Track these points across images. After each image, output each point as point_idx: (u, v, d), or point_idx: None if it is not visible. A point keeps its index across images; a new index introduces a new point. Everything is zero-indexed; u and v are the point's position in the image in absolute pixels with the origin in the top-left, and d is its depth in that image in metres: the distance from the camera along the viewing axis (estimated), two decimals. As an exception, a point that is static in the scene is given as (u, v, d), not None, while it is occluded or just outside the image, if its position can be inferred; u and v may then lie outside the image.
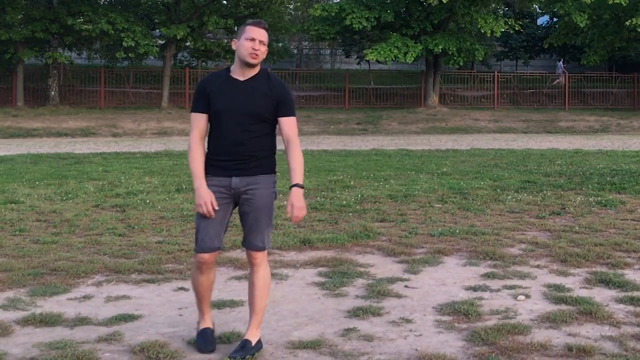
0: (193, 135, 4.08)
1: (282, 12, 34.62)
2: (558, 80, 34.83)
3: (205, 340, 4.14)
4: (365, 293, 5.24)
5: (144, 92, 31.77)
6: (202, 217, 4.04)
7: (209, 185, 4.02)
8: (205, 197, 3.98)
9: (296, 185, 4.12)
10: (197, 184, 4.02)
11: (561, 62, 37.15)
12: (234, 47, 4.07)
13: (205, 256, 4.07)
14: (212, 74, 4.18)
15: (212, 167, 4.06)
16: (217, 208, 4.00)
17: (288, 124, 4.12)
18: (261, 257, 4.13)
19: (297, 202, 4.09)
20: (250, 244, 4.13)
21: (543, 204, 9.21)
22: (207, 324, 4.23)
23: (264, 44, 4.02)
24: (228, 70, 4.12)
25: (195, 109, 4.10)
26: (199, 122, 4.08)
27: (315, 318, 4.70)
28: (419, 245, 6.83)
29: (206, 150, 4.12)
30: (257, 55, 3.99)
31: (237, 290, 5.33)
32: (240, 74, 4.07)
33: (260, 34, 4.00)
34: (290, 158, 4.16)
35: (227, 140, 4.02)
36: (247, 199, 4.08)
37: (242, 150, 4.03)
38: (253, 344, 4.02)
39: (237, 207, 4.16)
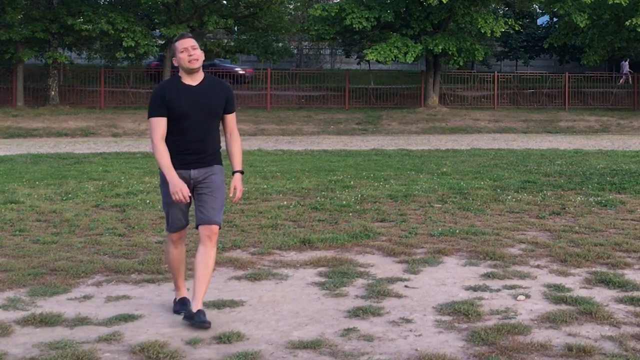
0: (156, 136, 4.62)
1: (282, 12, 34.60)
2: (623, 79, 34.94)
3: (184, 303, 4.77)
4: (365, 293, 5.24)
5: (144, 92, 31.78)
6: (169, 204, 4.69)
7: None
8: (180, 186, 4.50)
9: (238, 171, 4.80)
10: (170, 175, 4.53)
11: (626, 62, 37.16)
12: (175, 64, 4.70)
13: (176, 234, 4.82)
14: (165, 82, 4.75)
15: (174, 161, 4.59)
16: (189, 195, 4.56)
17: (231, 119, 4.83)
18: (216, 234, 4.69)
19: (239, 186, 4.78)
20: (209, 219, 4.63)
21: (543, 204, 9.21)
22: (182, 293, 4.90)
23: (195, 48, 4.63)
24: (179, 78, 4.70)
25: (155, 114, 4.61)
26: (160, 124, 4.61)
27: (315, 318, 4.70)
28: (419, 245, 6.83)
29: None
30: (195, 59, 4.61)
31: (237, 290, 5.33)
32: (190, 80, 4.68)
33: (189, 42, 4.62)
34: (233, 147, 4.84)
35: (189, 137, 4.63)
36: (206, 184, 4.67)
37: (202, 146, 4.67)
38: (202, 312, 4.52)
39: (194, 195, 4.72)
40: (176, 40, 4.68)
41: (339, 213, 8.59)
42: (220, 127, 4.85)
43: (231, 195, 4.74)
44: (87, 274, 5.75)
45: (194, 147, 4.63)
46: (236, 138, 4.82)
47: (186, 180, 4.61)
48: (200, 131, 4.64)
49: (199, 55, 4.62)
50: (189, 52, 4.59)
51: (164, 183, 4.63)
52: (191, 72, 4.64)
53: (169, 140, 4.63)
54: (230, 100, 4.77)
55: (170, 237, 4.84)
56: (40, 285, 5.42)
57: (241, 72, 34.57)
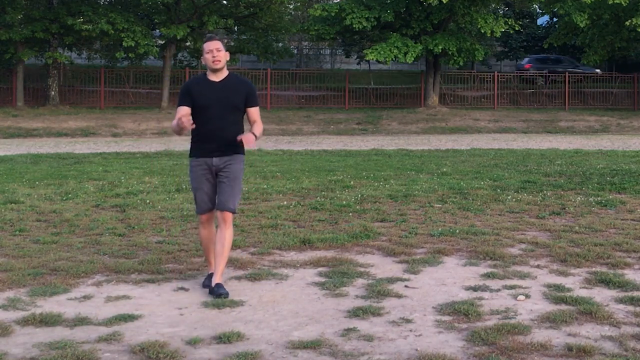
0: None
1: (282, 12, 34.57)
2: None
3: (211, 278, 5.33)
4: (365, 293, 5.24)
5: (144, 92, 31.77)
6: (196, 189, 5.36)
7: (196, 165, 5.33)
8: (184, 111, 5.21)
9: (253, 133, 5.24)
10: (180, 109, 5.25)
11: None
12: (203, 62, 5.37)
13: (204, 216, 5.45)
14: (193, 78, 5.46)
15: (199, 150, 5.33)
16: (191, 121, 5.13)
17: (254, 112, 5.42)
18: (231, 218, 5.36)
19: (251, 136, 5.18)
20: (224, 206, 5.30)
21: (543, 204, 9.21)
22: (212, 269, 5.45)
23: (220, 50, 5.28)
24: (205, 74, 5.39)
25: (180, 104, 5.33)
26: (182, 111, 5.29)
27: (315, 318, 4.70)
28: (419, 245, 6.83)
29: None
30: (218, 60, 5.27)
31: (237, 290, 5.34)
32: (214, 77, 5.36)
33: (215, 45, 5.28)
34: (253, 127, 5.37)
35: (213, 128, 5.25)
36: (226, 172, 5.29)
37: (223, 136, 5.25)
38: (220, 285, 5.20)
39: (217, 179, 5.32)
40: (205, 42, 5.32)
41: (339, 213, 8.59)
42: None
43: (240, 138, 5.19)
44: (87, 274, 5.75)
45: (215, 137, 5.24)
46: (259, 124, 5.38)
47: (209, 167, 5.30)
48: (221, 122, 5.25)
49: (222, 56, 5.27)
50: (213, 54, 5.25)
51: (190, 170, 5.40)
52: (215, 70, 5.31)
53: (196, 132, 5.29)
54: (250, 95, 5.37)
55: (200, 219, 5.50)
56: (40, 285, 5.42)
57: None
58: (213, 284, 5.21)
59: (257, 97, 5.45)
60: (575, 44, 35.79)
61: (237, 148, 5.31)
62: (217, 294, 5.10)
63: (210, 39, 5.33)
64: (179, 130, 5.23)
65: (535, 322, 4.58)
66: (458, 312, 4.75)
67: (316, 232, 7.41)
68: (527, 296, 5.15)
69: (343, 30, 29.79)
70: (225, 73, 5.36)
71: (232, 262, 6.16)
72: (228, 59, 5.33)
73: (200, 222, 5.52)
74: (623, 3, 27.77)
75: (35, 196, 9.85)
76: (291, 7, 38.90)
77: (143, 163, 14.78)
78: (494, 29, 28.97)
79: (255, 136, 5.22)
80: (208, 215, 5.44)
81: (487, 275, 5.73)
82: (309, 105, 31.67)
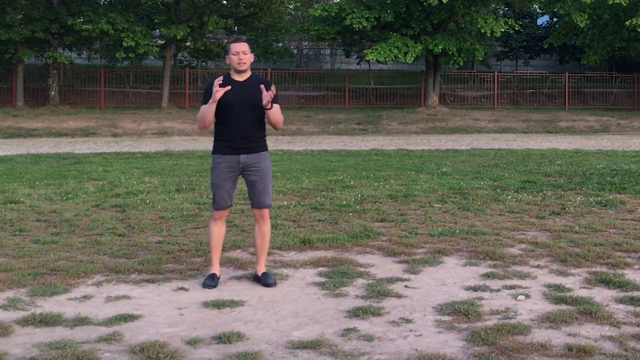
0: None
1: (282, 12, 34.58)
2: None
3: (211, 278, 5.43)
4: (365, 293, 5.24)
5: (144, 92, 31.77)
6: (217, 185, 5.46)
7: (222, 162, 5.42)
8: (217, 88, 5.23)
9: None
10: (212, 99, 5.29)
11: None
12: (227, 61, 5.53)
13: (221, 212, 5.55)
14: (216, 77, 5.41)
15: (224, 147, 5.44)
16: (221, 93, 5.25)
17: (276, 108, 5.51)
18: (268, 213, 5.64)
19: (270, 95, 5.30)
20: (261, 204, 5.54)
21: (543, 204, 9.21)
22: (213, 270, 5.52)
23: (246, 53, 5.43)
24: (229, 74, 5.50)
25: (203, 102, 5.40)
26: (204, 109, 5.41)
27: (315, 318, 4.70)
28: (419, 245, 6.83)
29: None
30: (244, 63, 5.43)
31: (237, 290, 5.34)
32: (238, 77, 5.48)
33: (241, 47, 5.42)
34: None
35: (237, 125, 5.39)
36: (255, 170, 5.48)
37: (246, 133, 5.42)
38: (267, 275, 5.52)
39: (244, 178, 5.52)
40: (232, 42, 5.47)
41: (339, 213, 8.59)
42: None
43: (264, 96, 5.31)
44: (87, 274, 5.75)
45: (239, 134, 5.40)
46: (280, 115, 5.56)
47: (236, 164, 5.43)
48: (244, 120, 5.40)
49: (248, 59, 5.44)
50: (240, 57, 5.40)
51: (213, 167, 5.49)
52: (239, 71, 5.46)
53: (219, 129, 5.46)
54: (269, 89, 5.43)
55: (214, 215, 5.56)
56: (40, 285, 5.42)
57: None
58: (259, 273, 5.53)
59: (278, 96, 5.55)
60: (575, 44, 35.79)
61: (262, 145, 5.53)
62: (267, 284, 5.41)
63: (238, 40, 5.46)
64: (207, 117, 5.34)
65: (535, 322, 4.58)
66: (458, 312, 4.75)
67: (316, 232, 7.41)
68: (527, 296, 5.15)
69: (343, 30, 29.80)
70: (248, 74, 5.50)
71: (232, 262, 6.16)
72: (252, 60, 5.48)
73: (214, 219, 5.57)
74: (623, 3, 27.77)
75: (35, 196, 9.85)
76: (291, 7, 38.90)
77: (143, 163, 14.78)
78: (494, 29, 28.98)
79: (272, 104, 5.38)
80: (223, 213, 5.56)
81: (487, 275, 5.73)
82: (309, 105, 31.67)
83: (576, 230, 7.52)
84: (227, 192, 5.47)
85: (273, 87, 5.39)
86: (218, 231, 5.58)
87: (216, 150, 5.49)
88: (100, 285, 5.48)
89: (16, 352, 4.06)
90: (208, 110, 5.34)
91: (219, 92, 5.23)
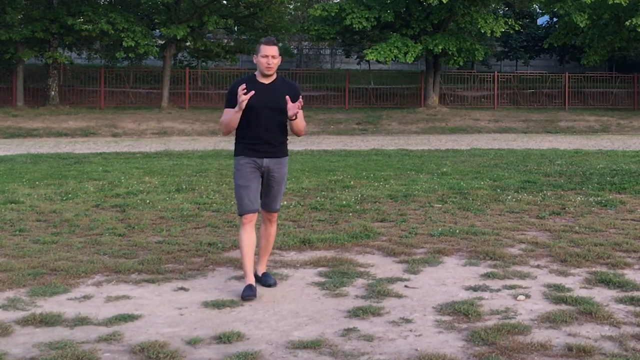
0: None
1: (282, 12, 34.59)
2: None
3: (249, 288, 5.17)
4: (365, 293, 5.24)
5: (144, 92, 31.77)
6: (241, 187, 5.27)
7: (245, 163, 5.28)
8: (242, 97, 5.07)
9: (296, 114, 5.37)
10: (237, 107, 5.14)
11: None
12: (254, 61, 5.33)
13: (249, 216, 5.30)
14: (241, 79, 5.32)
15: (248, 149, 5.30)
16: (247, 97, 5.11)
17: (299, 116, 5.49)
18: (275, 217, 5.58)
19: (297, 107, 5.31)
20: (272, 208, 5.49)
21: (543, 204, 9.21)
22: (249, 280, 5.25)
23: (275, 57, 5.27)
24: (254, 76, 5.36)
25: (227, 106, 5.27)
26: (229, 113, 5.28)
27: (315, 318, 4.70)
28: (419, 245, 6.83)
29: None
30: (271, 67, 5.27)
31: (237, 290, 5.33)
32: (263, 80, 5.34)
33: (272, 50, 5.26)
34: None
35: (260, 128, 5.28)
36: (274, 176, 5.38)
37: (270, 137, 5.32)
38: (268, 275, 5.53)
39: (263, 179, 5.37)
40: (263, 42, 5.29)
41: (339, 213, 8.59)
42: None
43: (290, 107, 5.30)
44: (87, 274, 5.75)
45: (263, 138, 5.29)
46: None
47: (258, 167, 5.32)
48: (268, 123, 5.30)
49: (276, 63, 5.29)
50: (269, 61, 5.25)
51: (237, 169, 5.33)
52: (265, 75, 5.31)
53: (243, 132, 5.31)
54: (296, 97, 5.37)
55: (241, 220, 5.34)
56: (40, 285, 5.42)
57: None
58: (260, 273, 5.50)
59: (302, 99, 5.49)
60: (575, 44, 35.79)
61: (284, 150, 5.45)
62: (267, 284, 5.42)
63: (269, 42, 5.29)
64: (232, 124, 5.23)
65: (535, 322, 4.58)
66: (458, 312, 4.75)
67: (316, 232, 7.41)
68: (527, 296, 5.15)
69: (343, 30, 29.80)
70: (274, 76, 5.38)
71: (232, 262, 6.16)
72: (279, 63, 5.33)
73: (243, 224, 5.31)
74: (623, 3, 27.77)
75: (35, 196, 9.85)
76: (291, 7, 38.91)
77: (143, 163, 14.78)
78: (494, 29, 28.97)
79: (297, 114, 5.36)
80: (250, 217, 5.28)
81: (487, 275, 5.73)
82: (309, 105, 31.63)
83: (576, 230, 7.52)
84: (253, 193, 5.27)
85: (300, 99, 5.31)
86: (248, 239, 5.30)
87: (239, 152, 5.34)
88: (100, 285, 5.48)
89: (16, 352, 4.06)
90: (234, 117, 5.19)
91: (244, 100, 5.08)
